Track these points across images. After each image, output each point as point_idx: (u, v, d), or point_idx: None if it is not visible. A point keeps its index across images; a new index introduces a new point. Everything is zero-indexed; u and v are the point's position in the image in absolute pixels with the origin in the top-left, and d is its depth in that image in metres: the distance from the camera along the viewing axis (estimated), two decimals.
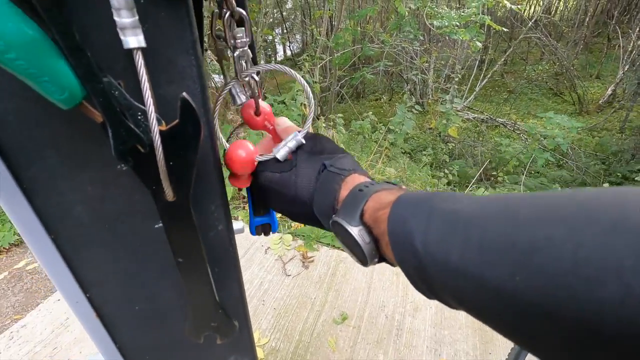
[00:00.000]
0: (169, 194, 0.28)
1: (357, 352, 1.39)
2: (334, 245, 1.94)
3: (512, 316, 0.18)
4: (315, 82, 3.95)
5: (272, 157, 0.39)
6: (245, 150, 0.38)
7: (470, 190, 2.57)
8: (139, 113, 0.25)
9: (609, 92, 9.22)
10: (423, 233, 0.24)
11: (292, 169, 0.37)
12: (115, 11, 0.22)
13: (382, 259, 0.32)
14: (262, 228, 0.47)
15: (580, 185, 5.84)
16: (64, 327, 1.48)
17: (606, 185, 2.55)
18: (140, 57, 0.24)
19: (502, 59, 8.53)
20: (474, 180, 2.71)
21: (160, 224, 0.35)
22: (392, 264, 0.32)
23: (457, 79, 4.46)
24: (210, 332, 0.41)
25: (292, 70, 0.40)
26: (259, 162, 0.39)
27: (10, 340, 1.43)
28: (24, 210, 0.29)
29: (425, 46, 5.68)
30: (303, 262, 1.81)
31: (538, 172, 6.01)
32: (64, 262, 0.33)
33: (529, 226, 0.18)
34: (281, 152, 0.39)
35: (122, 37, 0.23)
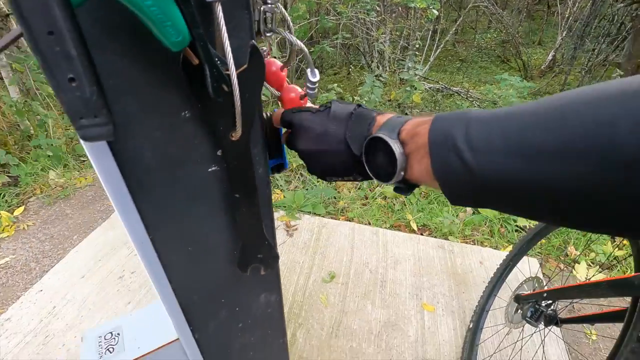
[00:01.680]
0: (239, 131, 0.33)
1: (347, 304, 1.50)
2: (315, 213, 2.02)
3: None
4: (275, 57, 3.90)
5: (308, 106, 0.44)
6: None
7: None
8: (216, 58, 0.30)
9: (550, 57, 9.84)
10: (464, 134, 0.28)
11: (326, 109, 0.41)
12: None
13: (404, 181, 0.35)
14: (276, 168, 0.53)
15: None
16: (52, 315, 1.46)
17: None
18: (220, 9, 0.28)
19: (454, 29, 8.78)
20: None
21: (213, 168, 0.40)
22: (412, 185, 0.36)
23: (416, 47, 4.57)
24: (256, 264, 0.47)
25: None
26: (294, 111, 0.43)
27: None
28: (105, 156, 0.33)
29: (381, 17, 5.73)
30: (287, 230, 1.88)
31: None
32: (134, 205, 0.37)
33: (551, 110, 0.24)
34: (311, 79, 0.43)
35: None
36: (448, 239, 1.88)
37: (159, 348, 0.59)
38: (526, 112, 0.26)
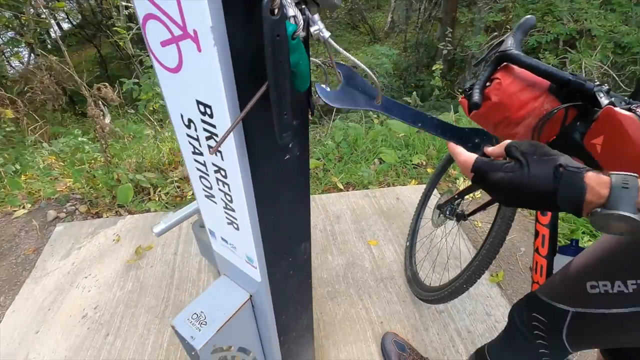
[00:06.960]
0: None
1: (312, 261, 1.77)
2: None
3: None
4: (133, 55, 3.61)
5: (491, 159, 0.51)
6: None
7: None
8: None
9: (389, 19, 11.27)
10: None
11: (523, 169, 0.45)
12: None
13: None
14: None
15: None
16: None
17: (411, 97, 3.44)
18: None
19: None
20: None
21: (287, 157, 0.60)
22: None
23: None
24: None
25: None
26: (485, 164, 0.49)
27: None
28: (243, 150, 0.51)
29: None
30: None
31: None
32: (253, 187, 0.55)
33: None
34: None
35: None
36: (369, 188, 2.28)
37: (238, 310, 0.75)
38: None
